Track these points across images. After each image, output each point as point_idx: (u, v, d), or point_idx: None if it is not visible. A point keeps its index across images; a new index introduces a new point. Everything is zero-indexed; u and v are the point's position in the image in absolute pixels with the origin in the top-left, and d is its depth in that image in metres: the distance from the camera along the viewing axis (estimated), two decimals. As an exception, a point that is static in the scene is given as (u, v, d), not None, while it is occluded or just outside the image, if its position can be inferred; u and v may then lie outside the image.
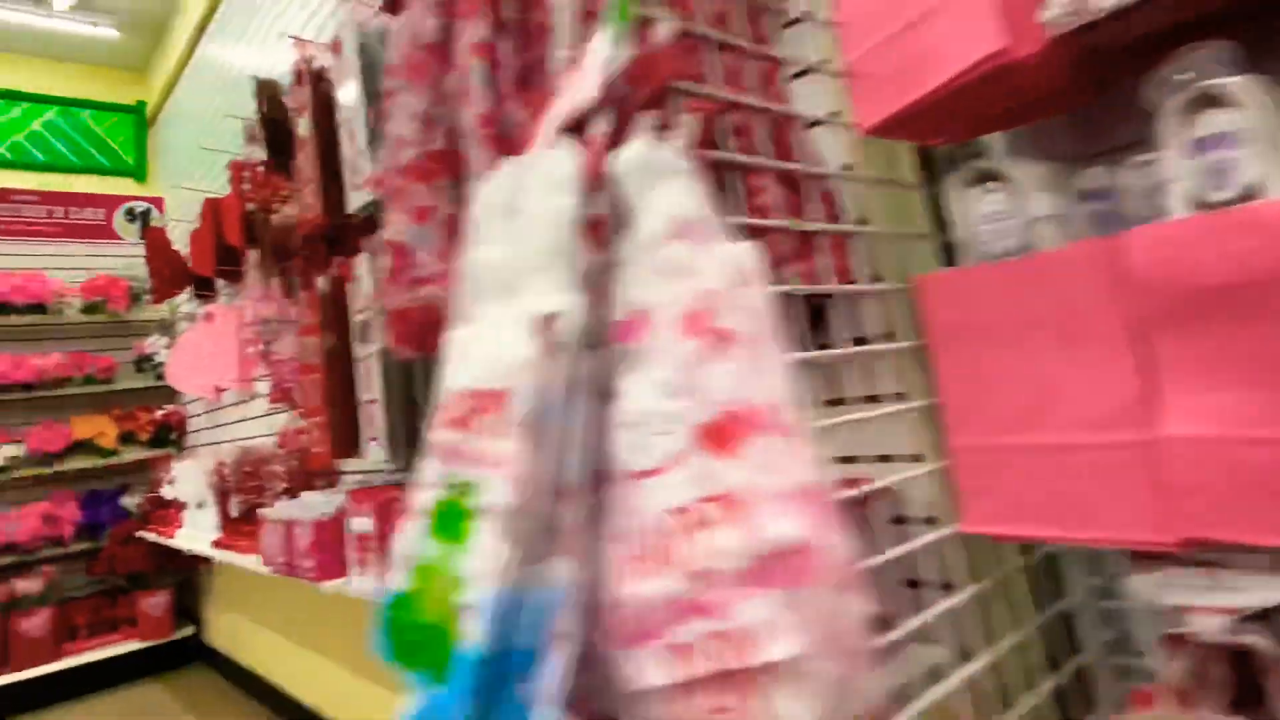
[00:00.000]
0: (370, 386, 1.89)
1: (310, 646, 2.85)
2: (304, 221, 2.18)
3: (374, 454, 1.91)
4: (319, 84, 2.20)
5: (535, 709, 0.43)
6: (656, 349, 0.47)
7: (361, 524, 1.66)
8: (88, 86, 4.74)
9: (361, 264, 1.90)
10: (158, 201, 4.59)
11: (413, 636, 0.49)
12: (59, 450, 3.80)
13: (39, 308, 3.93)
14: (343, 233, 2.18)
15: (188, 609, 4.07)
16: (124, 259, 4.31)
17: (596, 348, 0.50)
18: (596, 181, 0.53)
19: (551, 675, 0.43)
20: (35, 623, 3.58)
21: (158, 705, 3.43)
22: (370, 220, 2.09)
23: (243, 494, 2.61)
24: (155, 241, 3.78)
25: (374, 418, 1.87)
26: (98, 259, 4.29)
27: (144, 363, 4.16)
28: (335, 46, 2.09)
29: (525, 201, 0.53)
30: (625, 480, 0.47)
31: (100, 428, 3.91)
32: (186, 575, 4.01)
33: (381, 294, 0.89)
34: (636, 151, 0.54)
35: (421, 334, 0.92)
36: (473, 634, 0.45)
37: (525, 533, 0.46)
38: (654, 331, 0.48)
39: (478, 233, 0.58)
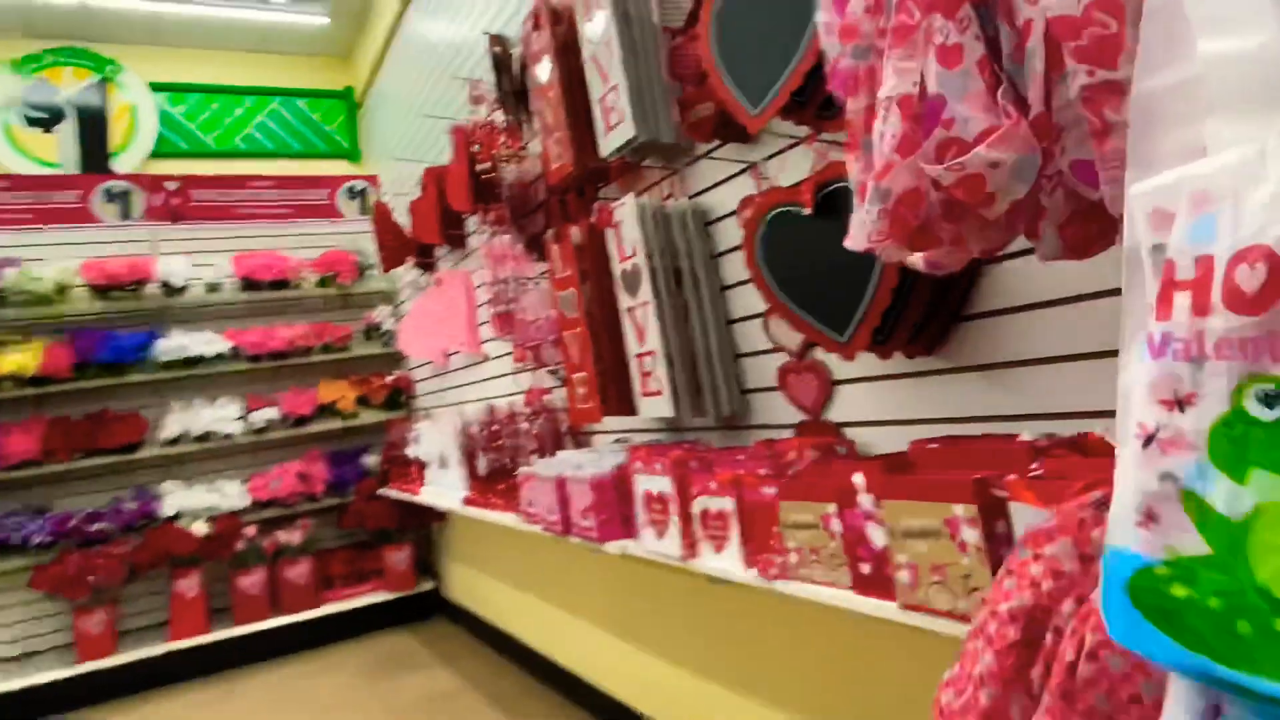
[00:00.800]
0: (643, 338, 1.76)
1: (557, 603, 2.87)
2: (552, 172, 2.09)
3: (647, 409, 1.80)
4: (557, 24, 2.08)
5: None
6: None
7: (656, 483, 1.54)
8: (301, 76, 5.09)
9: (624, 206, 1.76)
10: (372, 179, 4.83)
11: (1243, 624, 0.31)
12: (308, 413, 4.12)
13: (283, 283, 4.26)
14: (596, 177, 2.07)
15: (426, 564, 4.33)
16: (347, 235, 4.58)
17: None
18: None
19: None
20: (299, 571, 3.93)
21: (411, 654, 3.65)
22: (625, 164, 1.96)
23: (490, 453, 2.63)
24: (381, 215, 3.95)
25: (650, 371, 1.75)
26: (325, 236, 4.59)
27: (373, 331, 4.42)
28: (580, -22, 1.96)
29: None
30: None
31: (340, 392, 4.21)
32: (424, 531, 4.26)
33: (877, 173, 0.68)
34: None
35: (931, 224, 0.69)
36: None
37: None
38: None
39: (1198, 22, 0.38)
